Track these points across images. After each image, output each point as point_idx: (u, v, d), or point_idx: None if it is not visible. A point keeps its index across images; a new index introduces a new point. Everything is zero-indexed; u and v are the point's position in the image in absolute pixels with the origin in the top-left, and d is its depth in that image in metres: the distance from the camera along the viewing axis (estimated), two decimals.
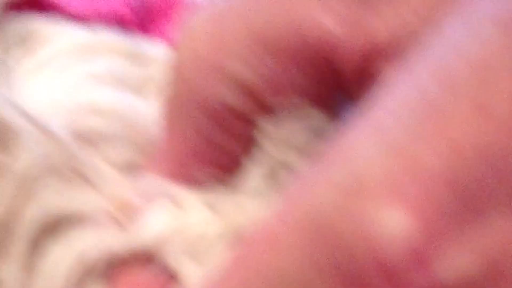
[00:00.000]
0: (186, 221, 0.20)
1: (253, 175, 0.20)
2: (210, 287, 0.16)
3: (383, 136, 0.14)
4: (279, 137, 0.20)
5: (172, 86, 0.20)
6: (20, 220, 0.20)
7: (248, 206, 0.20)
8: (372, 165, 0.14)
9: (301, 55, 0.18)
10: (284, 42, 0.18)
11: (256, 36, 0.19)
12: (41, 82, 0.25)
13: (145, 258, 0.20)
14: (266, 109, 0.19)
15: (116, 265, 0.20)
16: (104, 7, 0.27)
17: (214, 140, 0.20)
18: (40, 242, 0.21)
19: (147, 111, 0.24)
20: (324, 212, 0.14)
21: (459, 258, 0.13)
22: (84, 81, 0.25)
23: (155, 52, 0.26)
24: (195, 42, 0.20)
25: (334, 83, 0.19)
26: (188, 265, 0.20)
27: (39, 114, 0.22)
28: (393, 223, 0.13)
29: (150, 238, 0.20)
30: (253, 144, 0.20)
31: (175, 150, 0.21)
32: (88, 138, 0.22)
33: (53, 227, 0.21)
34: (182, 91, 0.20)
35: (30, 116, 0.21)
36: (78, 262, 0.20)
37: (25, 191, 0.20)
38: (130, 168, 0.22)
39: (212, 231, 0.20)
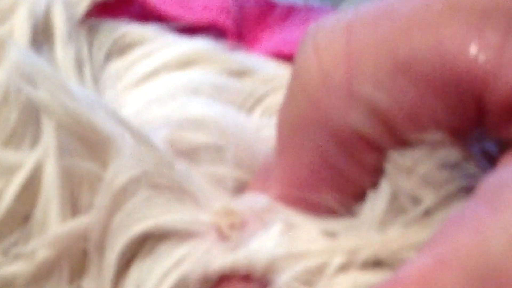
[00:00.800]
0: (304, 247, 0.19)
1: (377, 205, 0.19)
2: None
3: None
4: (409, 170, 0.18)
5: (294, 105, 0.19)
6: (113, 235, 0.20)
7: (371, 237, 0.19)
8: None
9: (446, 88, 0.17)
10: (429, 71, 0.17)
11: (399, 62, 0.17)
12: (142, 95, 0.24)
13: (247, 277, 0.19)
14: (399, 140, 0.18)
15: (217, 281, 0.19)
16: (203, 16, 0.26)
17: (338, 166, 0.19)
18: (134, 258, 0.20)
19: (251, 126, 0.23)
20: (494, 258, 0.13)
21: None
22: (185, 94, 0.24)
23: (256, 65, 0.25)
24: (323, 60, 0.18)
25: (477, 119, 0.17)
26: None
27: (139, 127, 0.21)
28: None
29: (262, 259, 0.19)
30: (378, 175, 0.19)
31: (291, 172, 0.19)
32: (190, 153, 0.21)
33: (151, 242, 0.20)
34: (308, 111, 0.18)
35: (131, 128, 0.21)
36: (182, 280, 0.19)
37: (120, 205, 0.20)
38: (235, 187, 0.21)
39: (333, 262, 0.18)
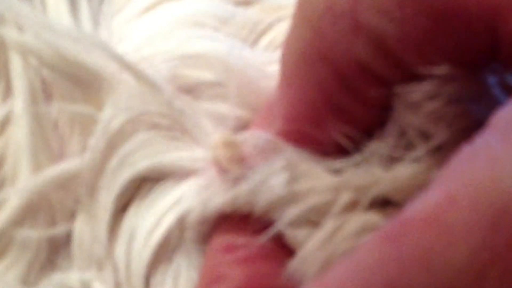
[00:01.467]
0: (308, 184, 0.18)
1: (384, 141, 0.18)
2: (356, 268, 0.14)
3: None
4: (418, 105, 0.17)
5: (298, 36, 0.18)
6: (109, 177, 0.19)
7: (379, 174, 0.18)
8: None
9: (457, 18, 0.16)
10: (442, 2, 0.16)
11: None
12: (142, 29, 0.23)
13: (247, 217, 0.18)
14: (406, 74, 0.17)
15: (216, 221, 0.19)
16: None
17: (341, 102, 0.18)
18: (131, 201, 0.20)
19: (256, 62, 0.22)
20: (507, 195, 0.13)
21: None
22: (188, 27, 0.23)
23: None
24: None
25: (491, 52, 0.16)
26: (304, 232, 0.18)
27: (138, 64, 0.20)
28: None
29: (264, 196, 0.18)
30: (384, 111, 0.18)
31: (294, 107, 0.18)
32: (192, 90, 0.21)
33: (148, 184, 0.20)
34: (312, 43, 0.18)
35: (129, 65, 0.20)
36: (180, 220, 0.19)
37: (117, 147, 0.19)
38: (238, 125, 0.21)
39: (340, 200, 0.18)
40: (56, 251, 0.20)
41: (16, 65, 0.20)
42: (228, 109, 0.20)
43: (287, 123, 0.19)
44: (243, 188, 0.18)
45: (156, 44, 0.22)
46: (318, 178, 0.18)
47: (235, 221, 0.18)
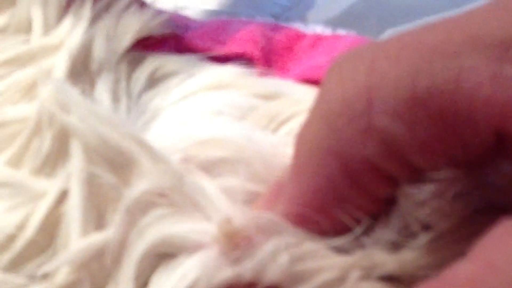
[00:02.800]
0: (317, 263, 0.19)
1: (388, 230, 0.19)
2: None
3: None
4: (422, 203, 0.19)
5: (313, 130, 0.19)
6: (129, 250, 0.20)
7: (385, 256, 0.19)
8: None
9: (464, 122, 0.17)
10: (446, 105, 0.17)
11: (417, 94, 0.17)
12: (170, 118, 0.25)
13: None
14: (413, 173, 0.18)
15: None
16: (233, 47, 0.27)
17: (347, 195, 0.19)
18: (147, 271, 0.20)
19: (269, 142, 0.23)
20: None
21: None
22: (210, 116, 0.25)
23: (283, 89, 0.26)
24: (346, 91, 0.18)
25: (494, 152, 0.17)
26: None
27: (158, 148, 0.22)
28: None
29: (271, 275, 0.19)
30: (387, 205, 0.19)
31: (302, 193, 0.19)
32: (206, 168, 0.22)
33: (162, 255, 0.20)
34: (325, 138, 0.18)
35: (149, 149, 0.21)
36: None
37: (135, 220, 0.21)
38: (248, 199, 0.22)
39: (352, 275, 0.19)
40: None
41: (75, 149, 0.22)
42: (238, 183, 0.21)
43: (292, 206, 0.20)
44: (248, 264, 0.19)
45: (177, 132, 0.24)
46: (325, 256, 0.19)
47: None
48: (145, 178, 0.21)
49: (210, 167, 0.22)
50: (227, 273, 0.19)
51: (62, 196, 0.22)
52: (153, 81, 0.27)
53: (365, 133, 0.18)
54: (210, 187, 0.21)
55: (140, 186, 0.21)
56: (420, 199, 0.19)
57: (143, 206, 0.21)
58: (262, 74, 0.27)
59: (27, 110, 0.24)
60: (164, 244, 0.20)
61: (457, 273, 0.15)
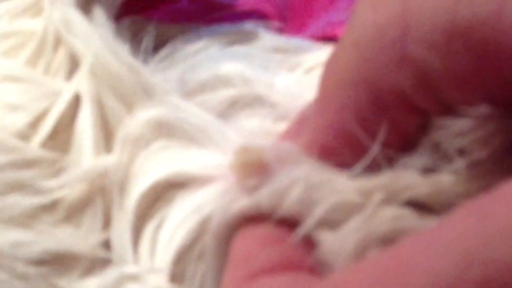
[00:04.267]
0: (337, 184, 0.17)
1: (417, 156, 0.18)
2: (432, 240, 0.14)
3: None
4: (456, 131, 0.17)
5: (344, 58, 0.18)
6: (133, 180, 0.20)
7: (416, 178, 0.17)
8: None
9: (504, 57, 0.16)
10: (487, 39, 0.16)
11: (457, 25, 0.16)
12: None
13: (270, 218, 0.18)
14: (445, 108, 0.17)
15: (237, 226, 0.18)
16: (248, 4, 0.27)
17: (374, 128, 0.18)
18: (155, 205, 0.20)
19: (293, 83, 0.23)
20: None
21: None
22: (221, 61, 0.24)
23: (300, 44, 0.25)
24: (380, 17, 0.17)
25: None
26: (323, 233, 0.17)
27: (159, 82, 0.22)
28: None
29: (289, 201, 0.17)
30: (416, 138, 0.18)
31: (325, 123, 0.18)
32: (222, 109, 0.22)
33: (171, 190, 0.19)
34: (356, 67, 0.17)
35: (150, 81, 0.21)
36: (201, 225, 0.19)
37: (139, 151, 0.20)
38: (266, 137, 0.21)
39: (373, 199, 0.17)
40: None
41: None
42: (256, 123, 0.21)
43: (316, 136, 0.18)
44: (265, 192, 0.17)
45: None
46: (343, 182, 0.18)
47: (259, 223, 0.18)
48: (149, 108, 0.20)
49: (225, 108, 0.21)
50: (243, 202, 0.18)
51: (76, 100, 0.21)
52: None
53: (399, 62, 0.17)
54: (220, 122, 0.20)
55: (144, 114, 0.20)
56: (455, 130, 0.18)
57: (149, 136, 0.20)
58: (278, 31, 0.26)
59: (34, 24, 0.23)
60: (173, 178, 0.19)
61: (505, 188, 0.14)
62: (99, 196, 0.20)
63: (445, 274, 0.13)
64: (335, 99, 0.18)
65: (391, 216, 0.16)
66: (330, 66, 0.19)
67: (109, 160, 0.20)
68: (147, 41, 0.26)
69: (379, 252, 0.15)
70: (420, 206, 0.17)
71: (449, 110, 0.17)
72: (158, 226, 0.19)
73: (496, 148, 0.18)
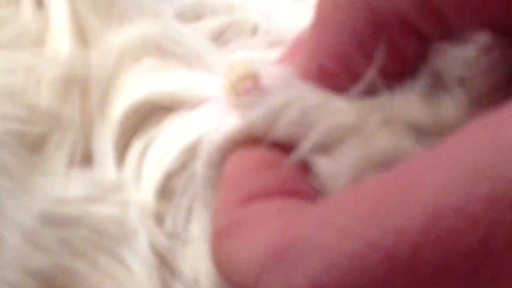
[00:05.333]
0: (322, 111, 0.17)
1: (417, 83, 0.17)
2: (443, 152, 0.13)
3: None
4: (456, 57, 0.16)
5: None
6: (116, 96, 0.19)
7: (418, 105, 0.17)
8: None
9: None
10: None
11: None
12: None
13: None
14: (447, 33, 0.16)
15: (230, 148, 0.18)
16: None
17: (371, 50, 0.17)
18: (142, 124, 0.19)
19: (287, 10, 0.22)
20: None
21: None
22: None
23: None
24: None
25: None
26: (319, 157, 0.16)
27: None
28: None
29: (284, 122, 0.17)
30: (414, 65, 0.17)
31: (321, 45, 0.18)
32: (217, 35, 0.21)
33: (161, 109, 0.19)
34: None
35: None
36: (193, 146, 0.18)
37: (124, 68, 0.19)
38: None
39: (371, 119, 0.16)
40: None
41: None
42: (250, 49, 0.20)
43: (313, 57, 0.18)
44: (259, 113, 0.17)
45: None
46: (341, 104, 0.17)
47: (252, 145, 0.17)
48: (140, 23, 0.19)
49: (216, 35, 0.20)
50: (235, 123, 0.17)
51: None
52: None
53: None
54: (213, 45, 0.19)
55: (134, 29, 0.19)
56: (456, 58, 0.17)
57: (134, 53, 0.19)
58: None
59: None
60: (162, 95, 0.18)
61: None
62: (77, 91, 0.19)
63: (453, 189, 0.12)
64: (332, 21, 0.17)
65: (389, 137, 0.16)
66: None
67: (92, 59, 0.19)
68: None
69: (380, 173, 0.14)
70: (419, 131, 0.17)
71: (450, 35, 0.17)
72: (145, 148, 0.18)
73: (497, 77, 0.17)
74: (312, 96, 0.17)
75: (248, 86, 0.17)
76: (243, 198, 0.16)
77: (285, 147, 0.17)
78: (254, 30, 0.21)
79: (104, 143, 0.18)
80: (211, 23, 0.21)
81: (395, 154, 0.16)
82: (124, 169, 0.18)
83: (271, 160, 0.17)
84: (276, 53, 0.20)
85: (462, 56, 0.17)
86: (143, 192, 0.18)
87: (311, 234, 0.14)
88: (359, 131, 0.16)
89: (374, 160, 0.16)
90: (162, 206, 0.18)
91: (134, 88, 0.18)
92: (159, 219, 0.18)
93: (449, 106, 0.17)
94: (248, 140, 0.17)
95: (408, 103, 0.17)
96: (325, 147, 0.16)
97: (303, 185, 0.17)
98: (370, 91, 0.17)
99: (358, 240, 0.13)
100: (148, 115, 0.18)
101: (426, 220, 0.13)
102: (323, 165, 0.16)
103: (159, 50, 0.19)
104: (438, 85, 0.17)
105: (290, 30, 0.20)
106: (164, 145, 0.18)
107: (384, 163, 0.16)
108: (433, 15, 0.16)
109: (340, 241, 0.13)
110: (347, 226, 0.13)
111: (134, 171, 0.18)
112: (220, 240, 0.16)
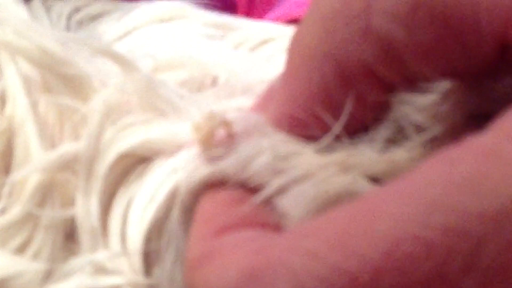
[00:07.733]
0: (296, 161, 0.18)
1: (379, 132, 0.18)
2: (400, 186, 0.14)
3: None
4: (418, 106, 0.18)
5: (309, 32, 0.18)
6: (101, 155, 0.19)
7: (373, 155, 0.18)
8: None
9: (468, 28, 0.16)
10: (449, 9, 0.16)
11: None
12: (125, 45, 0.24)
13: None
14: (410, 80, 0.17)
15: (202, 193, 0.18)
16: None
17: (339, 100, 0.18)
18: (125, 179, 0.19)
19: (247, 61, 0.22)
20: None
21: None
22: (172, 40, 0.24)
23: (240, 22, 0.25)
24: None
25: (496, 61, 0.16)
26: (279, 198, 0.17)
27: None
28: None
29: (252, 170, 0.18)
30: (379, 112, 0.18)
31: (292, 96, 0.18)
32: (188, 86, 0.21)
33: (144, 162, 0.19)
34: (322, 40, 0.17)
35: (115, 55, 0.20)
36: (173, 192, 0.18)
37: (106, 129, 0.19)
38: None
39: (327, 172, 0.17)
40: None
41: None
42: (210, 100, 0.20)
43: (283, 107, 0.18)
44: (230, 160, 0.17)
45: (139, 50, 0.23)
46: (306, 155, 0.18)
47: (222, 189, 0.18)
48: (111, 90, 0.19)
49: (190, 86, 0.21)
50: (208, 170, 0.17)
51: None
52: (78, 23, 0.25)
53: (363, 35, 0.17)
54: (183, 91, 0.20)
55: (103, 94, 0.19)
56: (417, 105, 0.18)
57: (110, 116, 0.19)
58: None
59: None
60: (139, 148, 0.19)
61: (475, 141, 0.14)
62: (56, 191, 0.19)
63: (408, 220, 0.13)
64: (302, 72, 0.18)
65: (344, 180, 0.17)
66: (297, 39, 0.19)
67: (69, 148, 0.19)
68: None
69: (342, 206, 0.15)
70: (374, 177, 0.18)
71: (413, 84, 0.18)
72: (129, 199, 0.19)
73: (453, 123, 0.18)
74: (282, 146, 0.18)
75: (220, 136, 0.18)
76: (216, 230, 0.17)
77: (254, 188, 0.18)
78: (214, 82, 0.21)
79: (89, 213, 0.19)
80: (169, 77, 0.21)
81: (348, 194, 0.17)
82: (109, 230, 0.19)
83: (241, 198, 0.17)
84: (238, 102, 0.20)
85: (421, 104, 0.18)
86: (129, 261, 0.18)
87: (282, 257, 0.14)
88: (317, 175, 0.17)
89: (328, 200, 0.17)
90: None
91: (111, 147, 0.19)
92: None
93: (403, 155, 0.18)
94: (219, 183, 0.18)
95: (365, 155, 0.18)
96: (286, 188, 0.17)
97: (271, 219, 0.17)
98: (337, 139, 0.18)
99: (326, 264, 0.14)
100: (130, 168, 0.19)
101: (387, 246, 0.13)
102: (281, 204, 0.17)
103: (138, 103, 0.19)
104: (399, 132, 0.19)
105: (249, 80, 0.21)
106: (148, 194, 0.18)
107: (338, 203, 0.16)
108: (396, 64, 0.17)
109: (309, 264, 0.14)
110: (315, 250, 0.14)
111: (118, 232, 0.18)
112: (194, 269, 0.16)
